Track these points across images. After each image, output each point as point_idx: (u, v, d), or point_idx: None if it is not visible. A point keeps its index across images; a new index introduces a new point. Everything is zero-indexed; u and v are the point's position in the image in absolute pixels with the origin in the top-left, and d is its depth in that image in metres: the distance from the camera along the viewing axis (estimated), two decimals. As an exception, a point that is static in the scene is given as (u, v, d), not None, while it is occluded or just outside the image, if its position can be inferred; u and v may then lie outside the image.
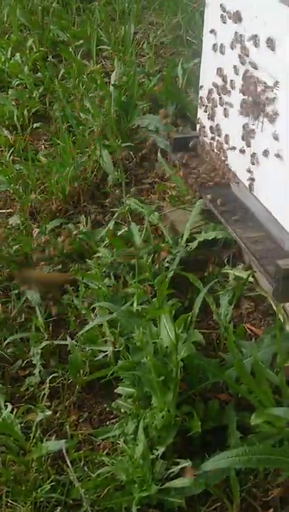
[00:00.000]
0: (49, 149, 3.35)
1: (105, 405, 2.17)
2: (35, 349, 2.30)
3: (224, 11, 2.41)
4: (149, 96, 3.65)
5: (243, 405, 2.05)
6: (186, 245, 2.64)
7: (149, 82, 3.73)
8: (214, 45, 2.54)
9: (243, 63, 2.35)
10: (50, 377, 2.23)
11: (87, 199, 3.08)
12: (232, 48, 2.39)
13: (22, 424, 2.08)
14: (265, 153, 2.27)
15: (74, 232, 2.82)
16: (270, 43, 2.13)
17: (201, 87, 2.71)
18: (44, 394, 2.19)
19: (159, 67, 4.01)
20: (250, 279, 2.52)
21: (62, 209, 3.03)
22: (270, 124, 2.21)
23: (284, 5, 2.03)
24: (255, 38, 2.23)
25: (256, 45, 2.23)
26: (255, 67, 2.26)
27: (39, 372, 2.25)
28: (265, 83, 2.22)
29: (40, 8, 4.74)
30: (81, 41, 4.35)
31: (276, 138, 2.19)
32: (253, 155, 2.35)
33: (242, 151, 2.44)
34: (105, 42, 4.30)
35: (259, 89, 2.24)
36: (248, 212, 2.46)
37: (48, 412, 2.11)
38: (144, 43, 4.36)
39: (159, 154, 3.19)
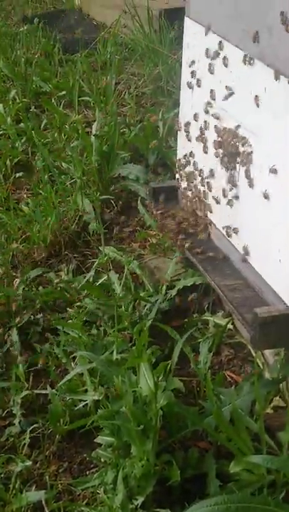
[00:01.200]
0: (31, 199, 3.39)
1: (85, 455, 2.17)
2: (15, 399, 2.30)
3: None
4: (130, 145, 3.71)
5: (223, 453, 2.05)
6: (166, 293, 2.67)
7: (130, 132, 3.79)
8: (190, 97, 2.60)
9: (217, 118, 2.41)
10: (31, 427, 2.23)
11: (68, 248, 3.11)
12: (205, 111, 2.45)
13: (2, 475, 2.08)
14: (242, 201, 2.31)
15: (55, 281, 2.84)
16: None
17: (180, 133, 2.77)
18: (24, 444, 2.19)
19: (140, 117, 4.08)
20: (230, 326, 2.54)
21: (44, 258, 3.05)
22: (246, 173, 2.25)
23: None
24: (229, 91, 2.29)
25: (231, 96, 2.29)
26: (229, 120, 2.32)
27: (19, 422, 2.24)
28: (240, 136, 2.27)
29: (23, 59, 4.82)
30: (63, 92, 4.42)
31: (251, 186, 2.23)
32: (230, 204, 2.39)
33: (219, 200, 2.48)
34: (87, 92, 4.37)
35: (235, 142, 2.30)
36: (226, 260, 2.49)
37: (28, 463, 2.10)
38: (125, 93, 4.43)
39: (139, 203, 3.23)
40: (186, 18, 2.57)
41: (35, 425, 2.25)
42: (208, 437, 2.12)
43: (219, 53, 2.36)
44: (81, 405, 2.25)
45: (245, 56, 2.17)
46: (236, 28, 2.22)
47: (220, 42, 2.34)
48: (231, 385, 2.38)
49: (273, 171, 2.09)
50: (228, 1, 2.27)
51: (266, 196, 2.14)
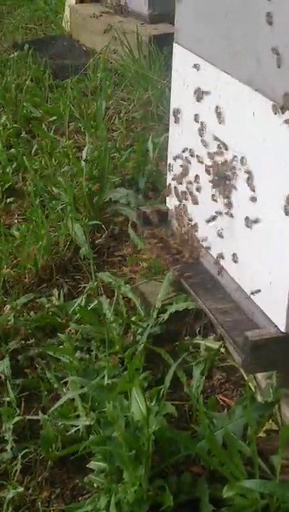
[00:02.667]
0: (22, 224, 3.39)
1: (78, 481, 2.16)
2: (7, 425, 2.29)
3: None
4: (120, 170, 3.72)
5: (216, 477, 2.04)
6: (158, 317, 2.67)
7: (120, 157, 3.81)
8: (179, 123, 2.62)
9: (205, 146, 2.43)
10: (23, 453, 2.22)
11: (59, 272, 3.11)
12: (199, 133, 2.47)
13: (-6, 502, 2.07)
14: (231, 225, 2.32)
15: (46, 306, 2.84)
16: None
17: (169, 164, 2.78)
18: (16, 470, 2.18)
19: (131, 141, 4.10)
20: (222, 349, 2.54)
21: (35, 282, 3.05)
22: (237, 198, 2.27)
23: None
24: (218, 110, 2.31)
25: (221, 121, 2.31)
26: (217, 145, 2.34)
27: (11, 448, 2.23)
28: (229, 161, 2.28)
29: (13, 85, 4.85)
30: (54, 117, 4.45)
31: (240, 210, 2.24)
32: (219, 227, 2.40)
33: (209, 224, 2.49)
34: (78, 118, 4.40)
35: (223, 166, 2.31)
36: (216, 284, 2.49)
37: (20, 489, 2.09)
38: (115, 118, 4.46)
39: (129, 227, 3.24)
40: (174, 44, 2.59)
41: (27, 451, 2.24)
42: (201, 462, 2.11)
43: (207, 78, 2.38)
44: (73, 430, 2.24)
45: (233, 81, 2.20)
46: (224, 53, 2.24)
47: (208, 67, 2.36)
48: (224, 409, 2.38)
49: (261, 194, 2.10)
50: (217, 27, 2.29)
51: (256, 221, 2.15)
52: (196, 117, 2.48)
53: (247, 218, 2.21)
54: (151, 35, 5.18)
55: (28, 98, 4.71)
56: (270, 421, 2.25)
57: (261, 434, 2.21)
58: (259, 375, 2.36)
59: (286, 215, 1.98)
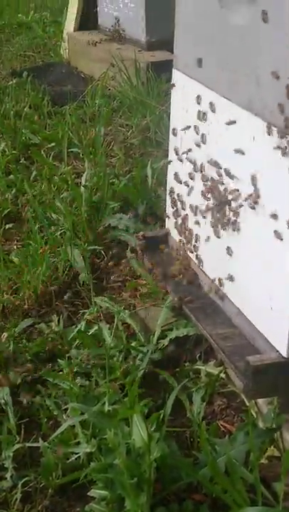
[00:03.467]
0: (21, 250, 3.39)
1: (78, 509, 2.13)
2: (6, 452, 2.27)
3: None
4: (119, 195, 3.73)
5: (219, 505, 2.02)
6: (158, 343, 2.66)
7: (119, 182, 3.82)
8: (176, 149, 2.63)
9: (205, 166, 2.43)
10: (23, 481, 2.20)
11: (59, 298, 3.10)
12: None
13: (-6, 531, 2.04)
14: (231, 250, 2.32)
15: (46, 332, 2.83)
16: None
17: (170, 189, 2.79)
18: (16, 498, 2.15)
19: (129, 167, 4.11)
20: (222, 375, 2.53)
21: (35, 308, 3.04)
22: (234, 222, 2.27)
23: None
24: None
25: (221, 146, 2.32)
26: (217, 168, 2.34)
27: (11, 476, 2.21)
28: (229, 184, 2.29)
29: (12, 112, 4.87)
30: (53, 144, 4.46)
31: (240, 234, 2.24)
32: (219, 252, 2.40)
33: (208, 249, 2.49)
34: (76, 144, 4.41)
35: (223, 190, 2.32)
36: (217, 309, 2.49)
37: (21, 518, 2.07)
38: (114, 144, 4.48)
39: (128, 252, 3.24)
40: (173, 70, 2.61)
41: (27, 479, 2.21)
42: (203, 489, 2.09)
43: (206, 104, 2.39)
44: (74, 458, 2.22)
45: (232, 106, 2.21)
46: (223, 78, 2.26)
47: (207, 92, 2.37)
48: (225, 435, 2.35)
49: (262, 218, 2.10)
50: (215, 53, 2.31)
51: (256, 243, 2.16)
52: (196, 142, 2.49)
53: (247, 243, 2.21)
54: (149, 62, 5.22)
55: (27, 125, 4.73)
56: (272, 447, 2.23)
57: (263, 461, 2.19)
58: (260, 401, 2.34)
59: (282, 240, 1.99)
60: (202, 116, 2.44)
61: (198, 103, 2.45)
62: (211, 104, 2.37)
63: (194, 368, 2.59)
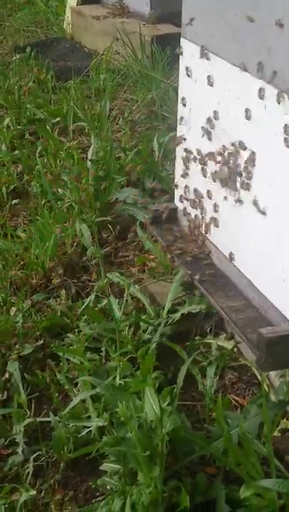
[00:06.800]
0: (28, 225, 3.37)
1: (90, 483, 2.13)
2: (18, 427, 2.26)
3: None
4: (126, 170, 3.69)
5: (231, 478, 2.02)
6: (168, 317, 2.63)
7: (126, 157, 3.78)
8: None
9: (216, 136, 2.40)
10: (34, 455, 2.19)
11: (67, 273, 3.08)
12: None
13: (6, 505, 2.03)
14: (243, 222, 2.29)
15: (55, 307, 2.81)
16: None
17: (179, 161, 2.75)
18: (28, 473, 2.15)
19: (135, 142, 4.07)
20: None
21: (43, 284, 3.02)
22: (248, 192, 2.24)
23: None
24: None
25: (231, 116, 2.28)
26: (227, 138, 2.31)
27: (22, 450, 2.20)
28: (240, 155, 2.26)
29: (16, 87, 4.83)
30: (58, 119, 4.42)
31: (252, 206, 2.21)
32: (231, 224, 2.38)
33: (219, 222, 2.47)
34: (81, 119, 4.37)
35: (234, 160, 2.28)
36: (228, 282, 2.46)
37: (33, 492, 2.06)
38: (119, 119, 4.44)
39: (137, 227, 3.21)
40: (182, 39, 2.56)
41: (38, 453, 2.20)
42: (216, 462, 2.08)
43: (217, 72, 2.36)
44: (85, 432, 2.21)
45: (243, 74, 2.17)
46: (234, 46, 2.22)
47: (217, 61, 2.33)
48: (236, 409, 2.35)
49: (273, 187, 2.08)
50: (225, 20, 2.27)
51: (264, 212, 2.13)
52: (205, 112, 2.46)
53: (260, 212, 2.18)
54: (154, 36, 5.16)
55: (31, 100, 4.68)
56: (285, 420, 2.22)
57: (276, 434, 2.18)
58: (272, 374, 2.33)
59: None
60: (211, 85, 2.40)
61: (207, 72, 2.41)
62: (221, 73, 2.33)
63: (205, 342, 2.57)
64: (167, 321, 2.62)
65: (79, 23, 6.16)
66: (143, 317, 2.64)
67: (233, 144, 2.30)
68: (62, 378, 2.43)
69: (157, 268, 2.97)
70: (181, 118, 2.65)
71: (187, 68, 2.54)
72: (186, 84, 2.58)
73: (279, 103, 2.00)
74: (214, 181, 2.45)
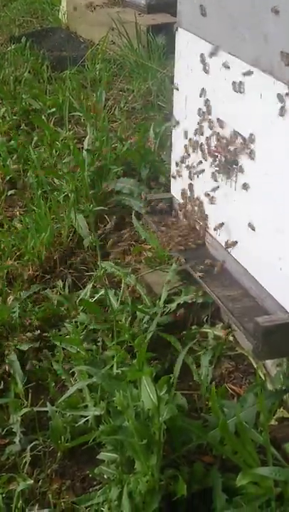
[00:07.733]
0: (24, 216, 3.36)
1: (88, 472, 2.13)
2: (15, 416, 2.27)
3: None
4: (122, 160, 3.68)
5: (228, 466, 2.02)
6: (165, 306, 2.63)
7: (122, 147, 3.77)
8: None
9: (212, 124, 2.39)
10: (31, 445, 2.20)
11: (63, 263, 3.08)
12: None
13: (3, 495, 2.03)
14: (240, 210, 2.29)
15: (51, 297, 2.81)
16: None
17: (176, 150, 2.75)
18: (25, 462, 2.15)
19: (131, 131, 4.06)
20: (230, 337, 2.51)
21: (39, 274, 3.02)
22: (244, 180, 2.24)
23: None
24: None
25: (227, 104, 2.28)
26: (224, 126, 2.31)
27: (19, 440, 2.21)
28: (237, 142, 2.25)
29: (11, 77, 4.81)
30: (53, 109, 4.40)
31: (249, 192, 2.21)
32: (229, 214, 2.38)
33: (216, 209, 2.46)
34: (77, 109, 4.36)
35: (231, 147, 2.28)
36: (224, 271, 2.47)
37: (30, 481, 2.06)
38: (115, 109, 4.42)
39: (133, 217, 3.20)
40: (178, 29, 2.55)
41: (35, 443, 2.21)
42: (213, 451, 2.08)
43: (211, 61, 2.35)
44: (82, 421, 2.21)
45: (239, 63, 2.17)
46: (230, 35, 2.21)
47: (213, 49, 2.33)
48: (233, 398, 2.35)
49: (270, 174, 2.07)
50: (221, 9, 2.26)
51: (260, 201, 2.13)
52: (201, 99, 2.45)
53: (258, 204, 2.18)
54: (150, 25, 5.14)
55: (27, 90, 4.66)
56: (282, 409, 2.22)
57: (273, 422, 2.18)
58: (269, 363, 2.33)
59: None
60: (207, 72, 2.39)
61: (203, 60, 2.40)
62: (216, 61, 2.32)
63: (201, 331, 2.57)
64: (164, 311, 2.62)
65: (74, 13, 6.14)
66: (140, 307, 2.64)
67: (226, 132, 2.30)
68: (59, 368, 2.43)
69: (154, 258, 2.97)
70: (177, 105, 2.64)
71: (182, 57, 2.54)
72: (182, 72, 2.58)
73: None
74: (211, 169, 2.45)
